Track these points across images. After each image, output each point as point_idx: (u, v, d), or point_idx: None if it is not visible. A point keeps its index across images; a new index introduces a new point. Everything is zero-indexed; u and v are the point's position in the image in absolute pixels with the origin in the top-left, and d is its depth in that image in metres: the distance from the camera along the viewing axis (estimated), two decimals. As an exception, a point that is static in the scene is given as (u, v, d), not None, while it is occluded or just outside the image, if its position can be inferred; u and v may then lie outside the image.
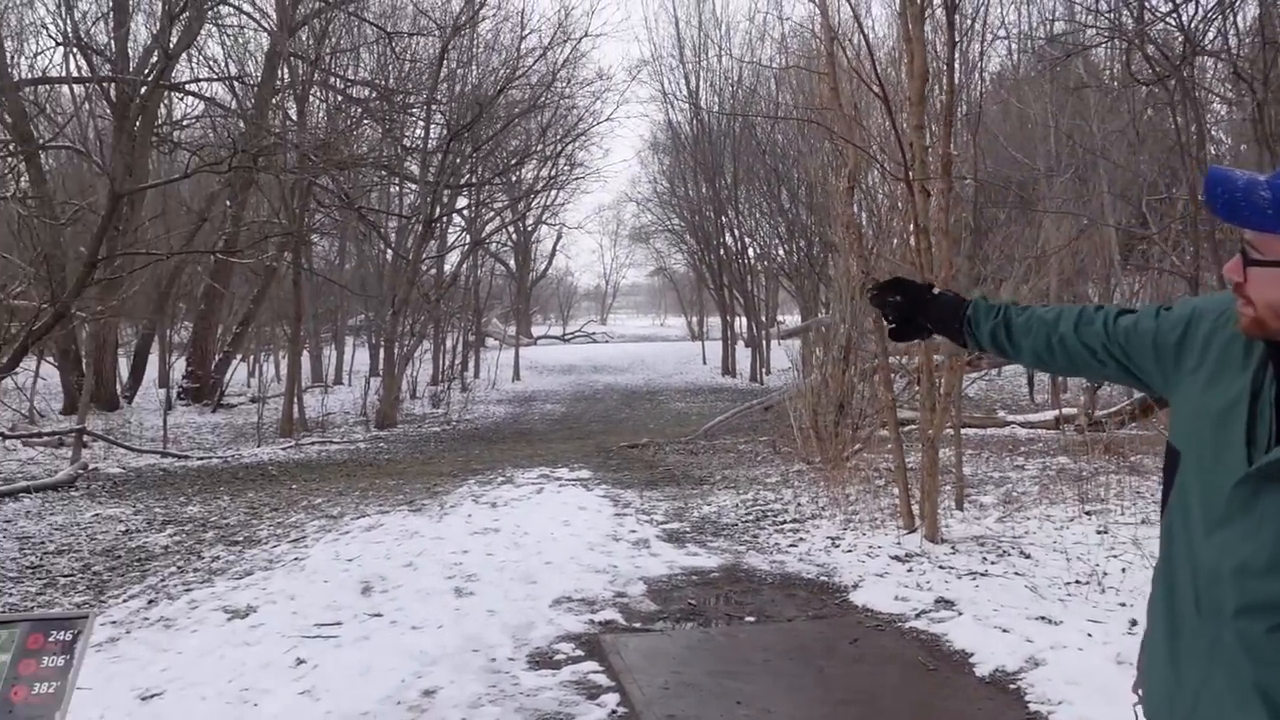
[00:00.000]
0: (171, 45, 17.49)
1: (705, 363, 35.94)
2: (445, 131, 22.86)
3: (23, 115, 19.88)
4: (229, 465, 13.66)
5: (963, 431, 12.54)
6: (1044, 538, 6.86)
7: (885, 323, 2.10)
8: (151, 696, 4.43)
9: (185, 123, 25.70)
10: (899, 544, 6.85)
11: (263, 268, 23.52)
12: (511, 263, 43.81)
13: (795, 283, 29.76)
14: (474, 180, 26.58)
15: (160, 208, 24.44)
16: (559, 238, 48.63)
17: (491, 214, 32.60)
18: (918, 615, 5.33)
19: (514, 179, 31.00)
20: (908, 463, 7.60)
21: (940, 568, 6.21)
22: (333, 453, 15.22)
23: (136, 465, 13.63)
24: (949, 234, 8.60)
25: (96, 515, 9.31)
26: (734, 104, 29.17)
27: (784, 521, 8.08)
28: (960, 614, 5.24)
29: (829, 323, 12.78)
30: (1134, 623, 4.82)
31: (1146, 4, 8.68)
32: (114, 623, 5.63)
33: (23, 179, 21.17)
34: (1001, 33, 18.42)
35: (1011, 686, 4.28)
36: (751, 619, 5.47)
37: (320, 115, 24.50)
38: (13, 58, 22.01)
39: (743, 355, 32.90)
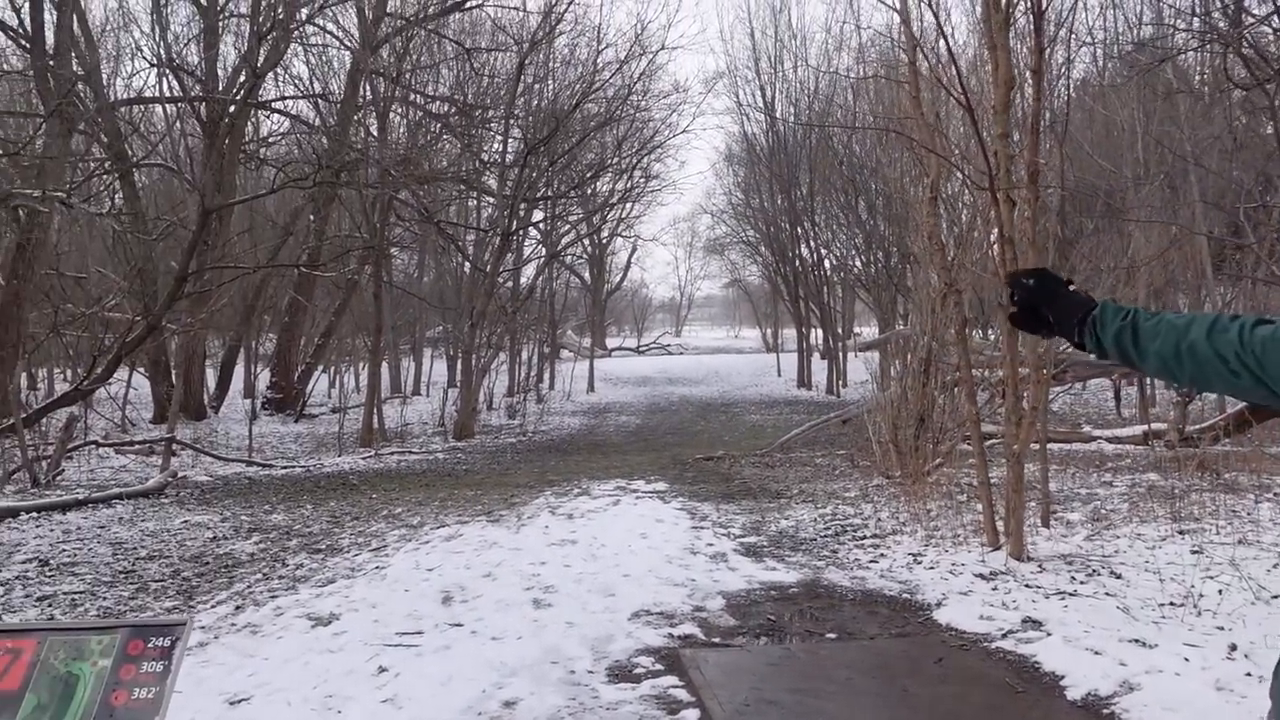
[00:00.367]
0: (259, 65, 17.94)
1: (780, 375, 35.72)
2: (522, 146, 23.10)
3: (118, 135, 20.60)
4: (311, 474, 13.92)
5: (1048, 447, 12.29)
6: (1135, 557, 6.65)
7: (1009, 304, 2.04)
8: (239, 701, 4.50)
9: (271, 140, 26.42)
10: (983, 561, 6.70)
11: (344, 281, 24.02)
12: (587, 275, 44.09)
13: (873, 294, 29.44)
14: (550, 194, 26.82)
15: (247, 223, 25.13)
16: (634, 250, 48.95)
17: (567, 227, 32.86)
18: (1004, 635, 5.19)
19: (589, 192, 31.22)
20: (991, 478, 7.43)
21: (1027, 586, 6.06)
22: (412, 463, 15.43)
23: (223, 474, 13.97)
24: (1035, 244, 8.42)
25: (185, 522, 9.56)
26: (810, 115, 28.99)
27: (864, 537, 7.96)
28: (1049, 635, 5.09)
29: (908, 335, 12.59)
30: (1233, 648, 4.64)
31: (1243, 6, 8.41)
32: (203, 628, 5.75)
33: (118, 196, 21.94)
34: (1087, 39, 18.01)
35: (1105, 711, 4.14)
36: (832, 636, 5.39)
37: (401, 131, 24.97)
38: (109, 79, 22.86)
39: (819, 368, 32.63)
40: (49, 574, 7.28)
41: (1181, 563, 6.35)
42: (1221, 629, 4.98)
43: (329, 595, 6.45)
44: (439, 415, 21.54)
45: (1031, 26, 8.50)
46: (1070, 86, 19.75)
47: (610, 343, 54.17)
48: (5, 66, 21.37)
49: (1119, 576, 6.19)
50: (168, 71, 22.76)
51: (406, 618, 5.87)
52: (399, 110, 24.64)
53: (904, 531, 8.02)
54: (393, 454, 16.75)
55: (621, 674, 4.81)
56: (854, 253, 30.93)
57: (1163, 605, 5.49)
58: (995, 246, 8.52)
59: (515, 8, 24.31)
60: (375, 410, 19.20)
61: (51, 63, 17.72)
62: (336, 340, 27.76)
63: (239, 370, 26.35)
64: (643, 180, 34.36)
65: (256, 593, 6.59)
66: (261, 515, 9.96)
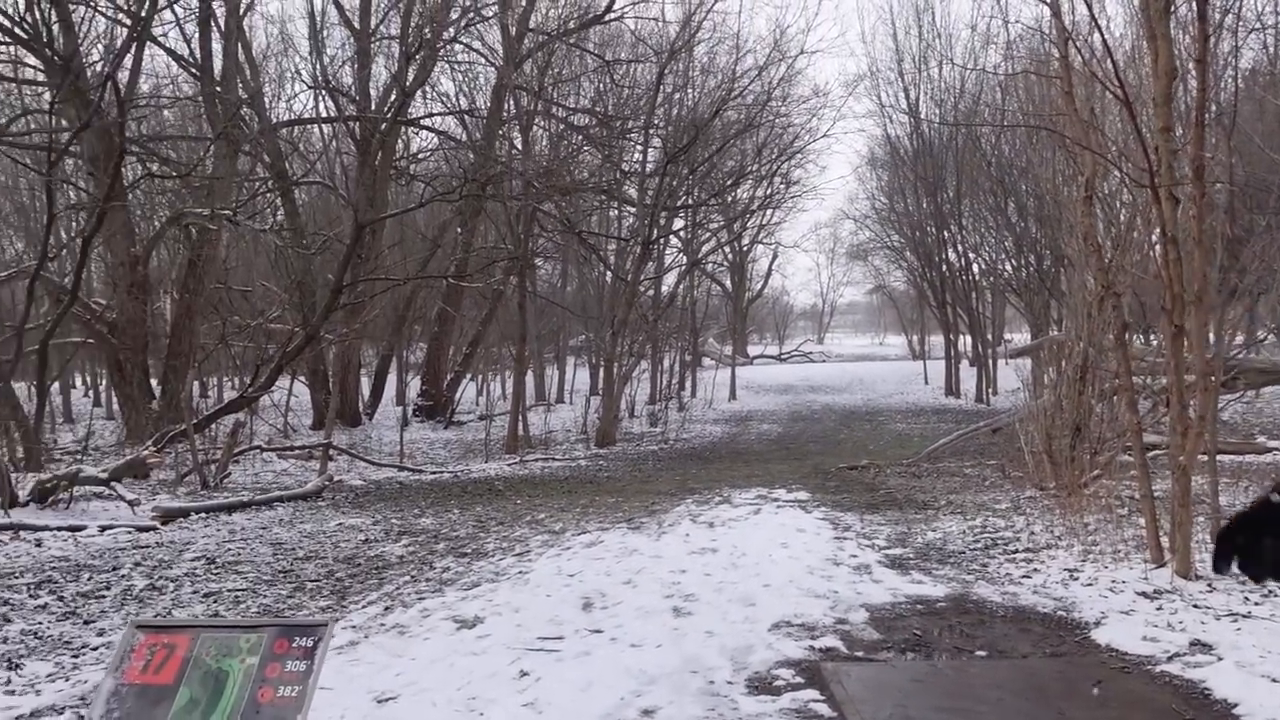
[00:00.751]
0: (407, 84, 18.56)
1: (927, 382, 34.83)
2: (662, 155, 23.22)
3: (280, 154, 21.64)
4: (459, 480, 14.29)
5: (1218, 458, 11.58)
6: (1318, 577, 6.18)
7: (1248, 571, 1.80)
8: (387, 700, 4.62)
9: (421, 156, 27.34)
10: (1146, 579, 6.34)
11: (490, 291, 24.62)
12: (728, 282, 43.98)
13: (1024, 299, 28.40)
14: (690, 202, 26.87)
15: (398, 237, 26.04)
16: (775, 257, 48.61)
17: (707, 235, 32.85)
18: (1170, 658, 4.89)
19: (730, 199, 31.14)
20: (1155, 491, 7.03)
21: (1195, 606, 5.70)
22: (555, 469, 15.67)
23: (376, 478, 14.48)
24: (1202, 243, 7.95)
25: (340, 524, 9.93)
26: (956, 115, 28.19)
27: (1015, 551, 7.65)
28: (1220, 659, 4.78)
29: (1063, 340, 12.07)
30: None
31: None
32: (354, 627, 5.94)
33: (279, 213, 23.07)
34: (1256, 24, 16.98)
35: (1285, 744, 3.85)
36: (982, 653, 5.18)
37: (543, 144, 25.47)
38: (271, 102, 24.06)
39: (967, 375, 31.67)
40: (215, 572, 7.67)
41: (1371, 585, 5.87)
42: None
43: (474, 598, 6.58)
44: (582, 423, 21.81)
45: (1194, 13, 8.06)
46: (1238, 76, 18.66)
47: (752, 350, 53.88)
48: (177, 93, 22.75)
49: (1299, 598, 5.77)
50: (324, 93, 23.82)
51: (548, 622, 5.94)
52: (541, 123, 25.13)
53: (1059, 546, 7.68)
54: (537, 460, 17.05)
55: (761, 686, 4.74)
56: (1003, 256, 29.91)
57: (1350, 630, 5.09)
58: (1157, 247, 8.09)
59: (654, 19, 24.55)
60: (520, 417, 19.58)
61: (219, 89, 18.78)
62: (483, 349, 28.45)
63: (391, 378, 27.29)
64: (783, 186, 34.10)
65: (405, 594, 6.78)
66: (411, 519, 10.27)
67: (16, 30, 16.33)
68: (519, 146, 23.43)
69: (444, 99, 26.98)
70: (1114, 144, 9.07)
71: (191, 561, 8.11)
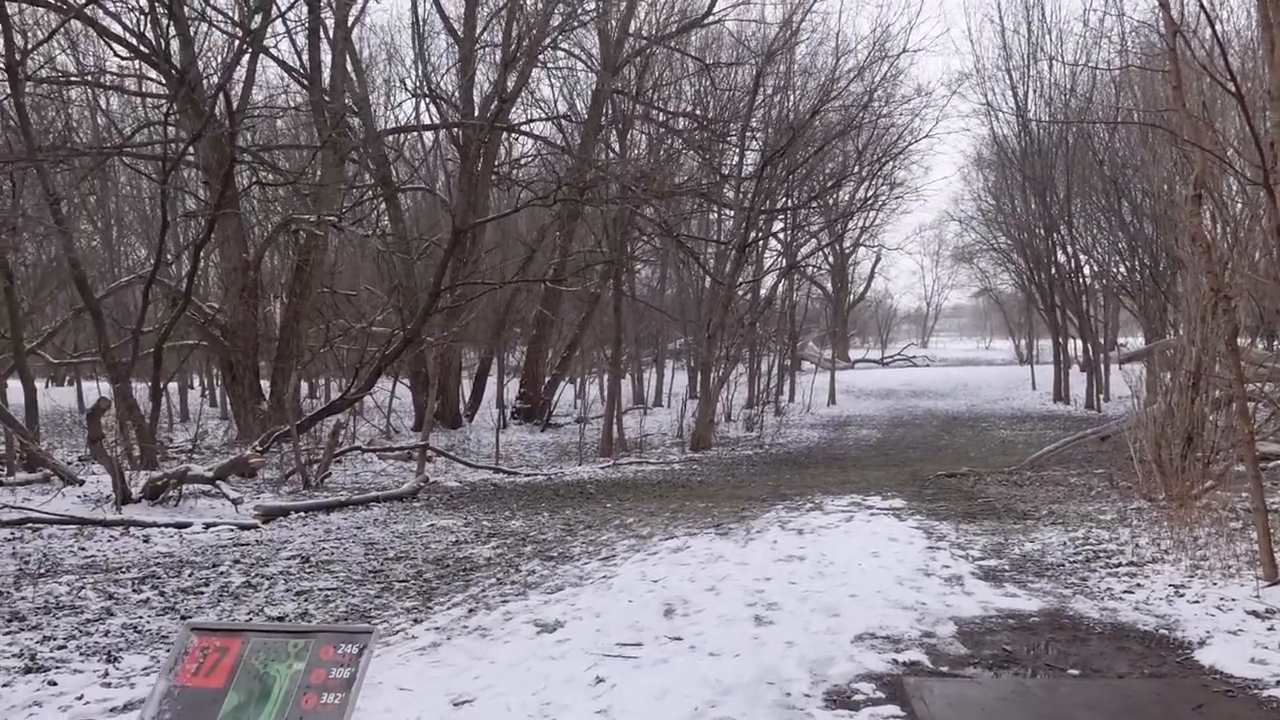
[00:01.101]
0: (506, 90, 18.80)
1: (1035, 388, 33.84)
2: (760, 157, 23.05)
3: (385, 161, 22.15)
4: (552, 482, 14.39)
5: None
6: None
7: None
8: (463, 703, 4.64)
9: (524, 161, 27.68)
10: (1258, 597, 6.01)
11: (588, 295, 24.77)
12: (829, 285, 43.48)
13: (1138, 302, 27.37)
14: (790, 204, 26.63)
15: (498, 241, 26.42)
16: (877, 259, 47.94)
17: (808, 237, 32.51)
18: (1279, 683, 4.61)
19: (831, 201, 30.76)
20: (1271, 503, 6.66)
21: (1310, 628, 5.38)
22: (648, 473, 15.66)
23: (471, 480, 14.68)
24: (1321, 243, 7.54)
25: (432, 525, 10.09)
26: (1066, 113, 27.32)
27: (1118, 564, 7.34)
28: (1335, 685, 4.49)
29: (1177, 345, 11.55)
30: None
31: None
32: (437, 629, 6.01)
33: (384, 219, 23.62)
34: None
35: (1402, 779, 3.58)
36: (1075, 672, 4.96)
37: (642, 147, 25.54)
38: (377, 110, 24.65)
39: (1077, 380, 30.65)
40: (308, 570, 7.85)
41: None
42: None
43: (556, 602, 6.60)
44: (677, 426, 21.78)
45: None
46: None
47: (853, 354, 53.15)
48: (289, 104, 23.48)
49: None
50: (427, 100, 24.32)
51: (628, 628, 5.90)
52: (641, 127, 25.21)
53: (1165, 560, 7.34)
54: (630, 464, 17.07)
55: (839, 699, 4.62)
56: (1116, 258, 28.87)
57: None
58: (1276, 247, 7.70)
59: (755, 20, 24.38)
60: (615, 421, 19.64)
61: (326, 98, 19.31)
62: (581, 352, 28.65)
63: (491, 381, 27.67)
64: (886, 188, 33.56)
65: (489, 596, 6.84)
66: (501, 521, 10.37)
67: (139, 45, 17.07)
68: (616, 150, 23.56)
69: (543, 105, 27.33)
70: (1230, 141, 8.67)
71: (287, 560, 8.32)
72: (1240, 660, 4.94)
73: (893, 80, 27.33)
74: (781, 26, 23.03)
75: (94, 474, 12.77)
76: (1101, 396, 27.74)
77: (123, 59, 18.80)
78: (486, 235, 24.52)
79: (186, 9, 16.70)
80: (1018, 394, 33.31)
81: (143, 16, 16.83)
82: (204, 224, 16.78)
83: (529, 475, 15.52)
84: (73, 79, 19.70)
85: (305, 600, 6.82)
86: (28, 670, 5.24)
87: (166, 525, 9.77)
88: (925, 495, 11.78)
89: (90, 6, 15.94)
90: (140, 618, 6.39)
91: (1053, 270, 30.07)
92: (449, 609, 6.55)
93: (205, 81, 17.71)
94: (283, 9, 18.31)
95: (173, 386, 25.92)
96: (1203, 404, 10.05)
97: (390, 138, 23.55)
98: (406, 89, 34.36)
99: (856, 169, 28.35)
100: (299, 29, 20.10)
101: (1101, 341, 31.44)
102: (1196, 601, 6.10)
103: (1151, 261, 25.59)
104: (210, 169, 17.59)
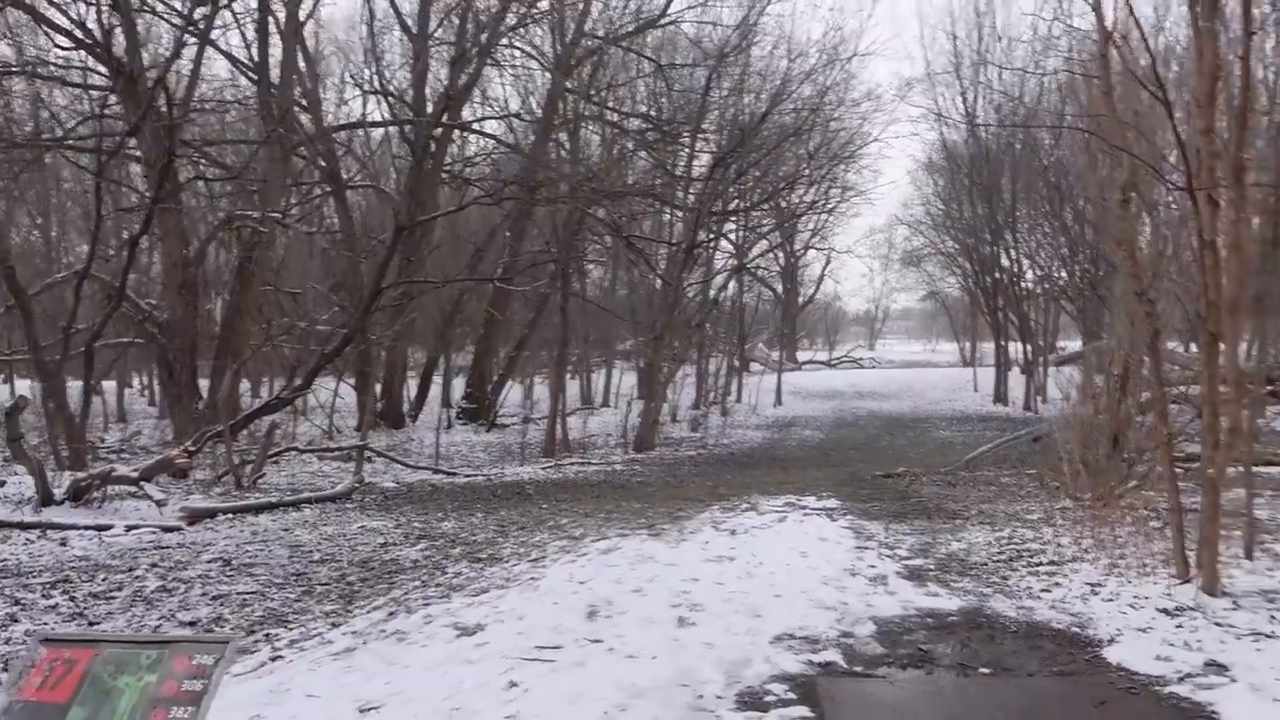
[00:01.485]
0: (456, 88, 18.67)
1: (976, 390, 34.25)
2: (713, 159, 23.09)
3: (333, 158, 21.87)
4: (491, 483, 14.27)
5: (1265, 470, 11.15)
6: (1354, 598, 5.90)
7: None
8: (370, 709, 4.56)
9: (476, 160, 27.43)
10: (1169, 594, 6.09)
11: (537, 295, 24.64)
12: (778, 287, 43.67)
13: (1077, 305, 27.81)
14: (741, 206, 26.70)
15: (448, 240, 26.19)
16: (827, 262, 48.18)
17: (758, 238, 32.61)
18: (1181, 679, 4.67)
19: (782, 204, 30.89)
20: (1192, 504, 6.75)
21: (1216, 625, 5.46)
22: (589, 474, 15.60)
23: (410, 480, 14.51)
24: (1240, 249, 7.67)
25: (362, 527, 9.95)
26: (1014, 119, 27.68)
27: (1039, 563, 7.41)
28: (1234, 681, 4.55)
29: (1107, 348, 11.73)
30: None
31: None
32: (355, 633, 5.91)
33: (332, 216, 23.33)
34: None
35: (1288, 775, 3.64)
36: (987, 671, 4.99)
37: (596, 148, 25.48)
38: (327, 106, 24.32)
39: (1017, 383, 31.09)
40: (229, 574, 7.70)
41: None
42: None
43: (480, 605, 6.52)
44: (623, 427, 21.73)
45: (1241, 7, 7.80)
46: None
47: (802, 356, 53.43)
48: (236, 98, 23.06)
49: (1330, 619, 5.50)
50: (379, 97, 24.07)
51: (550, 631, 5.84)
52: (591, 127, 25.14)
53: (1085, 559, 7.43)
54: (572, 464, 17.00)
55: (751, 701, 4.60)
56: (1058, 263, 29.33)
57: (1379, 655, 4.82)
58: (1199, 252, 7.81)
59: (711, 22, 24.39)
60: (560, 421, 19.56)
61: (273, 92, 19.00)
62: (529, 353, 28.55)
63: (438, 381, 27.43)
64: (836, 191, 33.79)
65: (411, 600, 6.74)
66: (434, 522, 10.26)
67: (82, 36, 16.71)
68: (568, 150, 23.46)
69: (495, 104, 27.15)
70: (1162, 147, 8.80)
71: (208, 563, 8.15)
72: (1146, 658, 5.00)
73: (844, 84, 27.55)
74: (736, 28, 23.08)
75: (16, 474, 12.45)
76: (1039, 398, 28.14)
77: (64, 49, 18.41)
78: (436, 234, 24.32)
79: (132, -1, 16.37)
80: (960, 395, 33.69)
81: (88, 7, 16.50)
82: (142, 218, 16.44)
83: (469, 476, 15.40)
84: (11, 69, 19.23)
85: (221, 605, 6.68)
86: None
87: (86, 527, 9.54)
88: (860, 495, 11.84)
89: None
90: (45, 624, 6.22)
91: (997, 274, 30.48)
92: (369, 612, 6.45)
93: (149, 73, 17.36)
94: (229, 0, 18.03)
95: (110, 385, 25.41)
96: (1129, 406, 10.22)
97: (340, 134, 23.27)
98: (358, 85, 34.02)
99: (808, 171, 28.50)
100: (248, 21, 19.78)
101: (1041, 344, 31.89)
102: (1110, 600, 6.18)
103: (1091, 266, 26.01)
104: (150, 162, 17.25)
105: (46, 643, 2.28)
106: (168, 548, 8.89)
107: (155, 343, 18.12)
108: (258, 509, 11.03)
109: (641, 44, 25.21)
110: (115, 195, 19.95)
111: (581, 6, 23.20)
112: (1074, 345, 35.87)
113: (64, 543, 9.01)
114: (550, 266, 23.14)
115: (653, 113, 25.18)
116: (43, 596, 6.96)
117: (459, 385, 27.94)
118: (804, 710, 4.47)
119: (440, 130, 21.96)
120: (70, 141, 18.48)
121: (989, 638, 5.55)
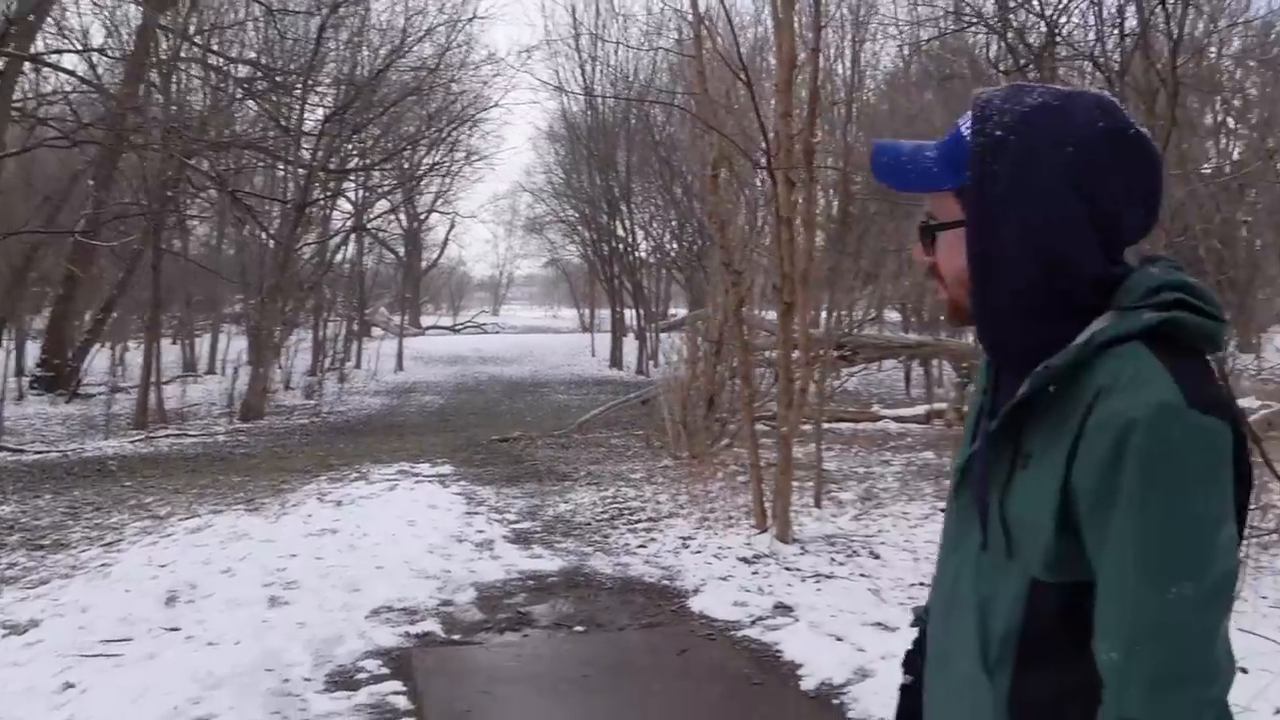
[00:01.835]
0: (12, 11, 16.38)
1: (594, 355, 35.62)
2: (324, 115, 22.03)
3: None
4: (67, 459, 12.74)
5: (836, 426, 12.47)
6: (896, 536, 6.70)
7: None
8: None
9: (54, 99, 24.26)
10: (749, 544, 6.59)
11: (129, 251, 22.31)
12: (401, 250, 42.77)
13: (685, 275, 29.64)
14: (361, 165, 25.74)
15: (19, 187, 23.04)
16: (451, 226, 47.81)
17: (378, 199, 31.67)
18: (753, 623, 5.05)
19: (405, 166, 30.16)
20: (770, 460, 7.34)
21: (786, 569, 5.97)
22: (185, 446, 14.40)
23: (-36, 460, 12.64)
24: (811, 224, 8.43)
25: (-108, 517, 8.51)
26: (629, 91, 28.84)
27: (639, 520, 7.76)
28: (797, 620, 4.98)
29: (707, 315, 12.54)
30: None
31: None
32: None
33: None
34: (893, 33, 18.44)
35: (835, 702, 4.02)
36: (580, 628, 5.12)
37: (203, 95, 23.48)
38: None
39: (631, 348, 32.67)
40: None
41: (938, 541, 6.40)
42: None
43: (36, 599, 5.79)
44: (229, 395, 20.29)
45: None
46: (877, 78, 20.45)
47: (426, 321, 52.84)
48: None
49: (877, 557, 6.19)
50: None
51: (119, 622, 5.28)
52: (193, 70, 23.10)
53: (680, 514, 7.87)
54: (166, 436, 15.62)
55: (342, 681, 4.41)
56: (669, 234, 31.05)
57: (913, 585, 5.48)
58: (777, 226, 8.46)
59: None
60: (154, 389, 17.91)
61: None
62: (121, 315, 25.89)
63: (8, 346, 24.15)
64: (461, 155, 33.54)
65: (-53, 598, 5.83)
66: (-12, 507, 8.98)
67: None
68: (160, 93, 21.36)
69: (75, 36, 24.13)
70: (751, 127, 9.45)
71: None
72: (725, 604, 5.35)
73: (466, 46, 27.31)
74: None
75: None
76: (651, 362, 29.75)
77: None
78: (3, 178, 21.27)
79: None
80: (579, 360, 34.87)
81: None
82: None
83: (40, 452, 13.68)
84: None
85: None
86: None
87: None
88: (475, 460, 11.81)
89: None
90: None
91: (614, 243, 31.75)
92: (-110, 617, 5.50)
93: None
94: None
95: None
96: (723, 370, 10.99)
97: None
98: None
99: (430, 133, 28.01)
100: None
101: (654, 311, 33.70)
102: (698, 552, 6.57)
103: (696, 238, 27.77)
104: None
105: None
106: None
107: None
108: None
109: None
110: None
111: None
112: (684, 312, 38.29)
113: None
114: (142, 221, 21.01)
115: (264, 60, 23.55)
116: None
117: (34, 351, 24.83)
118: (396, 684, 4.35)
119: (4, 61, 19.18)
120: None
121: (585, 596, 5.70)
